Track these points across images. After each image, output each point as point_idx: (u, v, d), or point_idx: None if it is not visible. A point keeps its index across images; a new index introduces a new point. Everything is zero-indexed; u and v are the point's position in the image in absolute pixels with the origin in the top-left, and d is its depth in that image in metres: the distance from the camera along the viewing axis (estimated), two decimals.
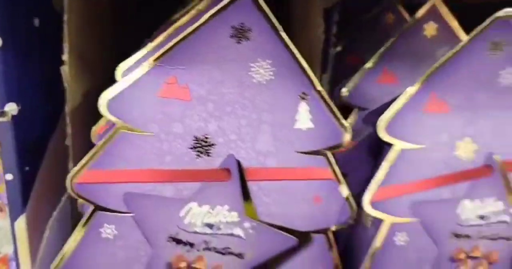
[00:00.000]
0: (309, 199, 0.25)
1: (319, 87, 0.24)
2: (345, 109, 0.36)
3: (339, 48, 0.39)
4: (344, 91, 0.34)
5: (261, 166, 0.25)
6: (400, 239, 0.27)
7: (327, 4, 0.32)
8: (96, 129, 0.31)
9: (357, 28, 0.40)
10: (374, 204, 0.27)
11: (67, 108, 0.32)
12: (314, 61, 0.34)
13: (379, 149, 0.30)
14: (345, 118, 0.36)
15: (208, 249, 0.25)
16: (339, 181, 0.25)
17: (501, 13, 0.26)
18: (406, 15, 0.37)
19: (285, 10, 0.38)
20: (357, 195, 0.28)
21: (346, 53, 0.41)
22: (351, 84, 0.33)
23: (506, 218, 0.28)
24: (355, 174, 0.32)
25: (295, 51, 0.24)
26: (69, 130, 0.32)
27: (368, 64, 0.33)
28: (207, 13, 0.22)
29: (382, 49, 0.33)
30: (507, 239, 0.28)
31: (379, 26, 0.39)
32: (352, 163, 0.32)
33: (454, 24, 0.34)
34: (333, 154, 0.31)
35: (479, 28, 0.26)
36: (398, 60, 0.33)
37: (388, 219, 0.27)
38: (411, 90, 0.26)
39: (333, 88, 0.37)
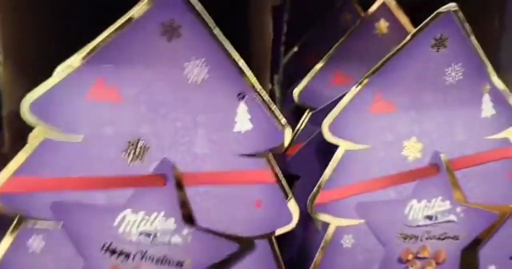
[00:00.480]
0: (250, 203, 0.24)
1: (258, 87, 0.24)
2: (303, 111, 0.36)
3: (295, 49, 0.39)
4: (296, 92, 0.33)
5: (198, 170, 0.23)
6: (347, 241, 0.27)
7: (275, 2, 0.31)
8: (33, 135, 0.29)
9: (315, 28, 0.39)
10: (320, 207, 0.26)
11: (4, 112, 0.30)
12: (266, 61, 0.33)
13: (329, 149, 0.29)
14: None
15: (144, 258, 0.23)
16: (280, 184, 0.25)
17: (443, 8, 0.26)
18: (362, 14, 0.37)
19: (243, 11, 0.37)
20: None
21: (304, 54, 0.40)
22: (301, 85, 0.33)
23: (453, 217, 0.28)
24: (307, 176, 0.32)
25: (231, 49, 0.23)
26: (6, 136, 0.30)
27: (319, 65, 0.33)
28: (133, 9, 0.21)
29: (332, 50, 0.33)
30: (455, 238, 0.28)
31: (337, 26, 0.38)
32: (304, 165, 0.32)
33: (405, 21, 0.33)
34: (284, 156, 0.30)
35: (421, 25, 0.26)
36: (350, 60, 0.33)
37: (334, 222, 0.26)
38: (354, 90, 0.26)
39: (289, 89, 0.37)
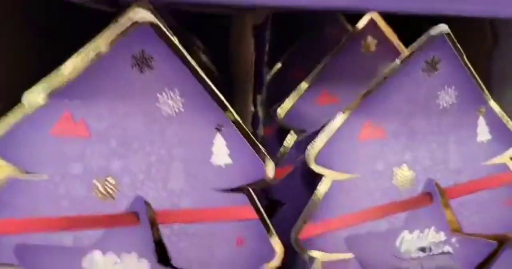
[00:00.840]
0: (231, 241, 0.23)
1: (237, 118, 0.22)
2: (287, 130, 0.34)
3: (279, 65, 0.37)
4: (280, 113, 0.31)
5: (174, 207, 0.22)
6: None
7: (258, 20, 0.30)
8: None
9: (299, 42, 0.38)
10: (306, 241, 0.25)
11: None
12: (248, 82, 0.31)
13: (316, 176, 0.28)
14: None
15: None
16: (263, 219, 0.23)
17: (434, 31, 0.24)
18: (348, 26, 0.35)
19: (224, 31, 0.35)
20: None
21: (288, 69, 0.38)
22: (286, 105, 0.31)
23: (448, 248, 0.26)
24: (292, 203, 0.30)
25: (206, 79, 0.21)
26: None
27: (305, 85, 0.31)
28: (102, 41, 0.20)
29: (318, 68, 0.31)
30: None
31: (322, 40, 0.37)
32: (289, 191, 0.30)
33: (394, 38, 0.32)
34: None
35: (411, 48, 0.24)
36: (337, 79, 0.31)
37: (322, 257, 0.25)
38: (341, 117, 0.24)
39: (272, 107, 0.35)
